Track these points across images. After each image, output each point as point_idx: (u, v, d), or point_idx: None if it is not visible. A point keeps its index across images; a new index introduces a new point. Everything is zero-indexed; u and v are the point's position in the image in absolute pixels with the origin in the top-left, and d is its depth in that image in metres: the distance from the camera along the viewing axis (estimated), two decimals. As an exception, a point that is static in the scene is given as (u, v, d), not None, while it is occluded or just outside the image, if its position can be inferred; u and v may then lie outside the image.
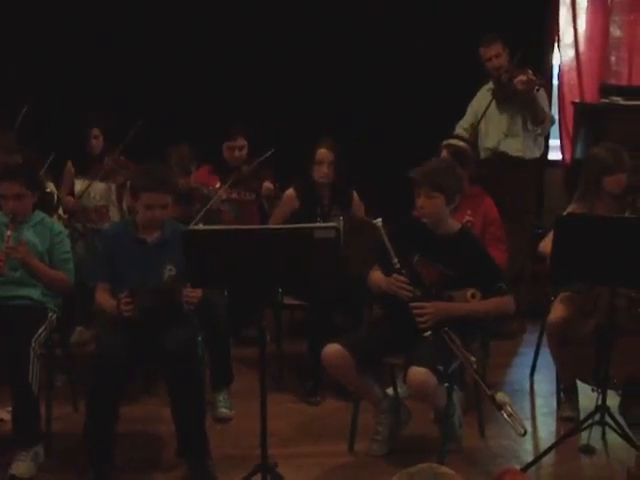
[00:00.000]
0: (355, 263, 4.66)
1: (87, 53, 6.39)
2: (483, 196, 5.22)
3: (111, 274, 4.29)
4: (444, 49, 6.48)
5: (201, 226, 4.82)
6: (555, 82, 6.93)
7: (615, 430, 4.30)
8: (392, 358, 4.23)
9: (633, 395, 4.72)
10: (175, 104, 6.37)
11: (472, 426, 4.53)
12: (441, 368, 3.98)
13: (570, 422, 4.64)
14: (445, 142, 5.32)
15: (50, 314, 4.37)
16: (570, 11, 6.85)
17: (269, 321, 5.34)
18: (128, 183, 5.17)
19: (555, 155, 7.04)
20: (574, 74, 6.93)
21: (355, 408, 4.41)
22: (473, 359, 4.02)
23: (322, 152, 5.24)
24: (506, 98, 5.89)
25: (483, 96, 6.06)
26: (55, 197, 5.29)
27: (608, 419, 4.28)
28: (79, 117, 5.81)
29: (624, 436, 4.28)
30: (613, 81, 6.98)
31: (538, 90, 5.81)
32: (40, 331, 4.19)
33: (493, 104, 5.93)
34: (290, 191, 5.41)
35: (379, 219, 4.19)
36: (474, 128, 5.98)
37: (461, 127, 6.07)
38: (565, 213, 4.56)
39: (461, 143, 5.26)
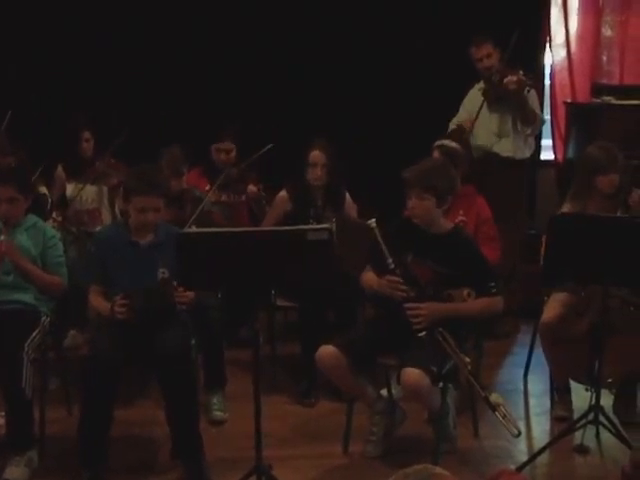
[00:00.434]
0: (348, 264, 4.65)
1: (78, 54, 6.39)
2: (475, 196, 5.23)
3: (104, 277, 4.29)
4: (435, 49, 6.49)
5: (194, 228, 4.83)
6: (547, 82, 6.94)
7: (609, 429, 4.30)
8: (386, 359, 4.23)
9: (627, 394, 4.73)
10: (166, 106, 6.37)
11: (466, 426, 4.54)
12: (435, 369, 3.98)
13: (564, 422, 4.64)
14: (437, 142, 5.32)
15: (43, 318, 4.36)
16: (561, 11, 6.87)
17: (263, 323, 5.34)
18: (120, 186, 5.17)
19: (547, 155, 7.06)
20: (566, 74, 6.95)
21: (349, 409, 4.41)
22: (467, 360, 4.02)
23: (315, 154, 5.23)
24: (497, 98, 5.90)
25: (475, 95, 6.07)
26: (49, 200, 5.28)
27: (602, 418, 4.29)
28: (69, 120, 5.79)
29: (618, 435, 4.29)
30: (605, 81, 7.00)
31: (529, 91, 5.82)
32: (33, 335, 4.18)
33: (484, 104, 5.94)
34: (283, 193, 5.40)
35: (373, 220, 4.20)
36: (471, 124, 5.96)
37: (455, 125, 6.06)
38: (558, 213, 4.57)
39: (453, 144, 5.25)
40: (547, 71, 6.94)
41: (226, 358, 4.92)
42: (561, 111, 6.91)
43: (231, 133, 5.74)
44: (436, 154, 5.20)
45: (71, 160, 5.73)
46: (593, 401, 4.28)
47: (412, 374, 3.93)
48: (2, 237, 4.20)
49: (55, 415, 4.57)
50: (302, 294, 4.93)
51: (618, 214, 4.62)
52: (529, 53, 6.47)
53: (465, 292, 4.19)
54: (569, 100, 6.89)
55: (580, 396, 4.63)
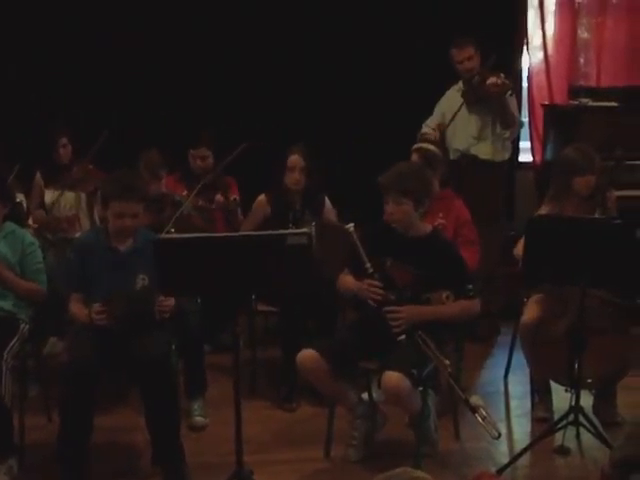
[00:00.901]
0: (328, 268, 4.65)
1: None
2: (454, 198, 5.23)
3: (84, 284, 4.27)
4: (413, 52, 6.49)
5: (173, 232, 4.82)
6: (524, 84, 6.96)
7: (589, 430, 4.32)
8: (366, 363, 4.23)
9: (606, 395, 4.75)
10: (143, 111, 6.35)
11: (447, 429, 4.54)
12: (415, 372, 3.99)
13: (544, 423, 4.65)
14: (415, 146, 5.33)
15: (22, 325, 4.34)
16: (538, 14, 6.90)
17: (243, 327, 5.34)
18: (98, 192, 5.15)
19: (525, 157, 7.07)
20: (543, 76, 6.98)
21: (330, 413, 4.41)
22: (447, 362, 4.02)
23: (294, 159, 5.23)
24: (477, 100, 5.91)
25: (453, 96, 6.07)
26: (24, 208, 5.26)
27: (582, 419, 4.31)
28: (46, 127, 5.77)
29: (598, 436, 4.31)
30: (582, 83, 7.04)
31: (511, 94, 5.84)
32: (12, 343, 4.16)
33: (463, 106, 5.95)
34: (262, 197, 5.40)
35: (351, 224, 4.20)
36: (442, 129, 5.98)
37: (427, 126, 6.07)
38: (536, 215, 4.59)
39: (431, 147, 5.26)
40: (524, 73, 6.95)
41: (207, 363, 4.91)
42: (539, 113, 6.94)
43: (206, 139, 5.73)
44: (414, 157, 5.20)
45: (48, 166, 5.71)
46: (573, 402, 4.30)
47: (392, 377, 3.93)
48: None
49: (35, 422, 4.55)
50: (282, 298, 4.92)
51: (596, 215, 4.65)
52: (506, 55, 6.48)
53: (444, 295, 4.20)
54: (547, 102, 6.92)
55: (560, 397, 4.63)
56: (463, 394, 3.98)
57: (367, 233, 4.27)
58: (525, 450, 4.33)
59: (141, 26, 6.36)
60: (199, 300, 4.83)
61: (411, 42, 6.51)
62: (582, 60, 7.08)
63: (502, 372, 5.43)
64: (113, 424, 4.67)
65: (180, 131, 5.90)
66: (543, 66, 6.96)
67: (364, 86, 6.57)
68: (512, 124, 5.93)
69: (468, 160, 5.97)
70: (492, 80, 5.69)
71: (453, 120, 5.95)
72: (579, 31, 7.03)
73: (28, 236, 4.51)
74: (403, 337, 4.07)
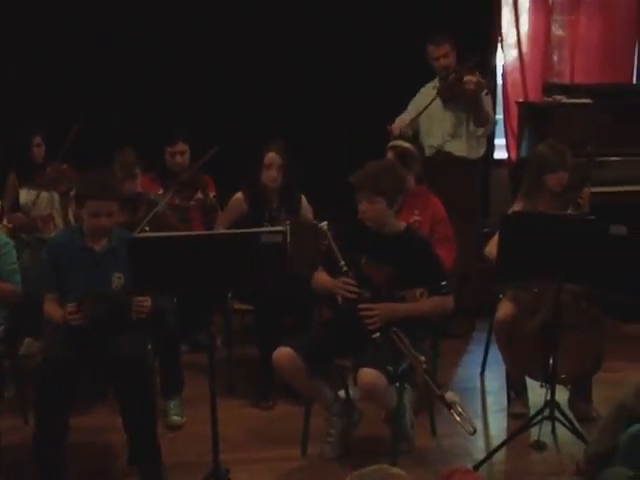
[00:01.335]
0: (304, 266, 4.66)
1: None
2: (430, 195, 5.25)
3: (59, 284, 4.25)
4: (388, 50, 6.50)
5: (147, 230, 4.81)
6: (499, 82, 6.98)
7: (565, 425, 4.36)
8: (342, 360, 4.23)
9: (582, 389, 4.79)
10: (116, 110, 6.34)
11: (424, 425, 4.56)
12: (390, 369, 4.00)
13: (521, 418, 4.68)
14: (391, 143, 5.34)
15: (-3, 326, 4.33)
16: (512, 11, 6.92)
17: (220, 326, 5.34)
18: (72, 191, 5.13)
19: (500, 154, 7.10)
20: (517, 74, 6.98)
21: (307, 411, 4.42)
22: (422, 359, 4.04)
23: (271, 156, 5.23)
24: (452, 97, 5.92)
25: (427, 92, 6.07)
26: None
27: (557, 414, 4.35)
28: (19, 126, 5.74)
29: (574, 431, 4.35)
30: (556, 80, 7.05)
31: (487, 93, 5.86)
32: (-13, 343, 4.15)
33: (437, 102, 5.95)
34: (238, 195, 5.40)
35: (324, 222, 4.22)
36: (414, 124, 5.99)
37: (401, 119, 6.03)
38: (510, 211, 4.61)
39: (406, 144, 5.27)
40: (499, 71, 6.97)
41: (183, 362, 4.91)
42: (513, 110, 6.96)
43: (183, 134, 5.72)
44: (390, 155, 5.21)
45: (22, 166, 5.68)
46: (548, 397, 4.33)
47: (368, 374, 3.94)
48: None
49: (11, 424, 4.53)
50: (258, 297, 4.92)
51: (569, 212, 4.68)
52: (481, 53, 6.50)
53: (418, 292, 4.23)
54: (521, 99, 6.94)
55: (536, 393, 4.65)
56: (439, 390, 3.99)
57: (342, 231, 4.28)
58: (501, 446, 4.35)
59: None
60: (175, 299, 4.82)
61: (386, 40, 6.52)
62: (556, 58, 7.09)
63: (478, 368, 5.46)
64: (89, 424, 4.66)
65: (153, 130, 5.87)
66: (517, 64, 6.96)
67: (339, 84, 6.56)
68: (486, 122, 5.95)
69: (443, 157, 5.98)
70: (468, 78, 5.71)
71: (424, 114, 5.95)
72: (553, 29, 7.04)
73: (2, 236, 4.50)
74: (378, 334, 4.09)
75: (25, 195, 5.64)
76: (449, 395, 3.96)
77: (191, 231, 5.28)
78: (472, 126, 5.96)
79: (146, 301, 4.11)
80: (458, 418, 3.92)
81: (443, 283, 4.26)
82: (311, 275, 4.43)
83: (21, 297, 4.41)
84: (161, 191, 5.57)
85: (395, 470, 2.35)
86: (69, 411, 4.06)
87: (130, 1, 6.40)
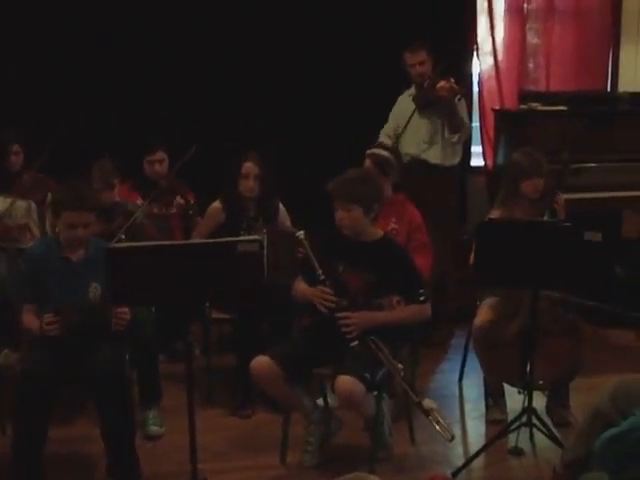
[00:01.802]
0: (282, 274, 4.67)
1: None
2: (407, 203, 5.26)
3: (36, 294, 4.23)
4: (365, 58, 6.52)
5: (123, 239, 4.80)
6: (475, 89, 7.02)
7: (542, 431, 4.38)
8: (321, 368, 4.25)
9: (559, 395, 4.81)
10: (95, 119, 6.33)
11: (403, 433, 4.57)
12: (368, 376, 4.01)
13: (499, 425, 4.68)
14: (369, 151, 5.35)
15: (-27, 337, 4.31)
16: (488, 20, 6.97)
17: (198, 336, 5.33)
18: (48, 200, 5.12)
19: (477, 161, 7.14)
20: (493, 81, 7.04)
21: (285, 420, 4.41)
22: (400, 366, 4.05)
23: (248, 166, 5.23)
24: (427, 104, 5.94)
25: (404, 102, 6.10)
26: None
27: (535, 420, 4.37)
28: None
29: (551, 437, 4.37)
30: (531, 87, 7.12)
31: (460, 99, 5.88)
32: (-36, 355, 4.13)
33: (415, 111, 5.99)
34: (216, 204, 5.39)
35: (301, 231, 4.23)
36: (397, 135, 6.03)
37: (385, 134, 6.10)
38: (486, 218, 4.63)
39: (384, 152, 5.29)
40: (475, 79, 7.01)
41: (162, 372, 4.89)
42: (489, 118, 7.00)
43: (161, 143, 5.72)
44: (368, 163, 5.23)
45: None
46: (526, 403, 4.35)
47: (346, 382, 3.94)
48: None
49: (-12, 435, 4.52)
50: (236, 306, 4.92)
51: (545, 218, 4.71)
52: (457, 61, 6.53)
53: (394, 300, 4.25)
54: (497, 107, 6.99)
55: (514, 399, 4.67)
56: (417, 398, 4.01)
57: (319, 239, 4.29)
58: (479, 452, 4.37)
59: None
60: (152, 309, 4.82)
61: (363, 48, 6.54)
62: (531, 65, 7.15)
63: (456, 375, 5.48)
64: (68, 435, 4.64)
65: (130, 140, 5.87)
66: (493, 71, 7.02)
67: (317, 93, 6.58)
68: (460, 128, 5.96)
69: (418, 165, 5.99)
70: (442, 84, 5.74)
71: (402, 122, 5.98)
72: (528, 37, 7.11)
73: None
74: (356, 342, 4.10)
75: (1, 203, 5.62)
76: (427, 402, 3.97)
77: (171, 240, 5.27)
78: (447, 133, 5.98)
79: (125, 313, 4.11)
80: (436, 425, 3.93)
81: (420, 291, 4.27)
82: (290, 284, 4.44)
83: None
84: (140, 200, 5.57)
85: (372, 477, 2.37)
86: (48, 422, 4.05)
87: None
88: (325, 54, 6.56)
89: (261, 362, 4.12)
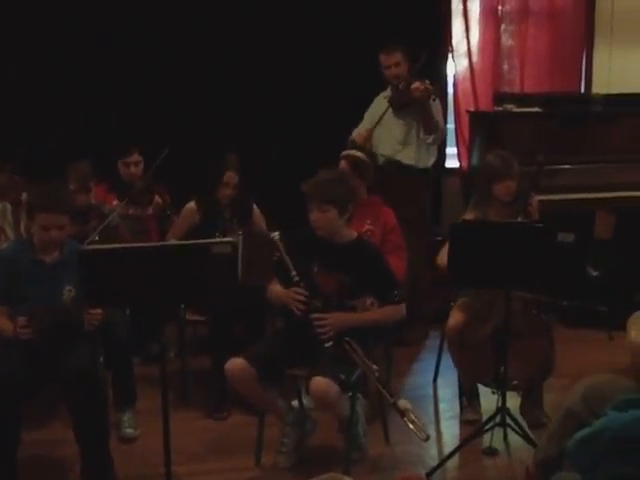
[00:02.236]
0: (256, 276, 4.67)
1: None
2: (382, 205, 5.29)
3: (9, 297, 4.21)
4: (339, 59, 6.53)
5: (97, 239, 4.79)
6: (450, 91, 7.05)
7: (516, 431, 4.41)
8: (295, 369, 4.25)
9: (533, 395, 4.84)
10: (70, 121, 6.33)
11: (377, 433, 4.58)
12: (343, 377, 4.01)
13: (473, 425, 4.71)
14: (344, 153, 5.37)
15: (-54, 340, 4.27)
16: (463, 22, 7.00)
17: (173, 337, 5.33)
18: (23, 201, 5.10)
19: (452, 163, 7.16)
20: (468, 83, 7.07)
21: (260, 421, 4.41)
22: (375, 367, 4.06)
23: (230, 175, 5.22)
24: (402, 105, 5.96)
25: (379, 103, 6.11)
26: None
27: (509, 420, 4.40)
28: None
29: (525, 436, 4.39)
30: (506, 89, 7.15)
31: (434, 100, 5.90)
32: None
33: (389, 111, 6.00)
34: (191, 205, 5.38)
35: (276, 233, 4.24)
36: (370, 134, 6.03)
37: (358, 133, 6.11)
38: (459, 220, 4.66)
39: (359, 154, 5.31)
40: (450, 80, 7.04)
41: (137, 374, 4.87)
42: (464, 119, 7.03)
43: (136, 145, 5.71)
44: (343, 164, 5.24)
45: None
46: (500, 404, 4.38)
47: (320, 383, 3.95)
48: None
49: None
50: (211, 308, 4.92)
51: (519, 220, 4.73)
52: (432, 63, 6.55)
53: (368, 302, 4.26)
54: (472, 109, 7.02)
55: (488, 399, 4.69)
56: (391, 398, 4.01)
57: (293, 241, 4.30)
58: (454, 452, 4.39)
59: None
60: (127, 311, 4.81)
61: (338, 49, 6.55)
62: (506, 67, 7.19)
63: (431, 376, 5.50)
64: (42, 438, 4.62)
65: (105, 143, 5.86)
66: (468, 73, 7.06)
67: (291, 94, 6.59)
68: (435, 130, 5.98)
69: (393, 166, 6.01)
70: (416, 85, 5.75)
71: (379, 124, 6.00)
72: (503, 39, 7.15)
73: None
74: (330, 344, 4.11)
75: (-24, 205, 5.60)
76: (402, 403, 3.97)
77: (148, 241, 5.26)
78: (422, 134, 6.00)
79: (97, 313, 4.10)
80: (411, 425, 3.93)
81: (395, 292, 4.29)
82: (266, 286, 4.44)
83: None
84: (116, 202, 5.55)
85: (347, 479, 2.38)
86: (21, 425, 4.03)
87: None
88: (299, 56, 6.56)
89: (235, 364, 4.12)
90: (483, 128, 6.78)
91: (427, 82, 5.78)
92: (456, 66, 7.05)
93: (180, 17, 6.47)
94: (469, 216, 4.84)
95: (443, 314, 5.02)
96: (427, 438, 3.98)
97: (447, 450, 4.49)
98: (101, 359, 4.37)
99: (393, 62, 5.97)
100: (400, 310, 4.33)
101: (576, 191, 6.39)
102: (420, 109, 5.87)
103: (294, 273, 4.19)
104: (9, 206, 5.61)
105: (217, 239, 4.43)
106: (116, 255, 3.63)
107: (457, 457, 4.41)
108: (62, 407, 4.63)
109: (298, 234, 4.38)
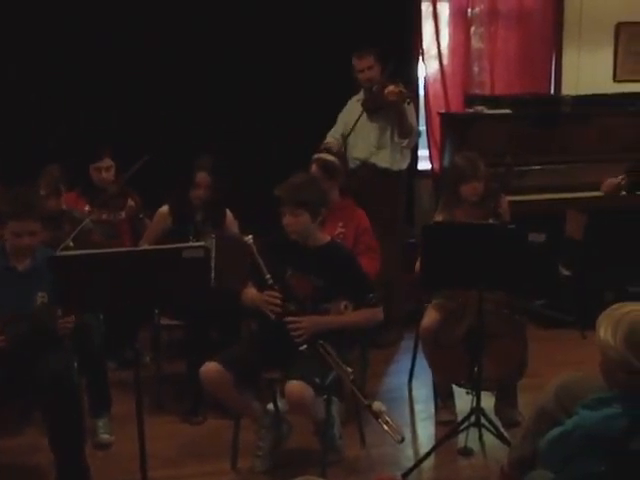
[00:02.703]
0: (230, 280, 4.67)
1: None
2: (354, 208, 5.30)
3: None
4: (311, 63, 6.55)
5: (72, 246, 4.77)
6: (421, 93, 7.08)
7: (490, 431, 4.43)
8: (270, 373, 4.25)
9: (507, 395, 4.87)
10: (39, 127, 6.31)
11: (353, 436, 4.59)
12: (318, 381, 4.02)
13: (448, 426, 4.71)
14: (315, 156, 5.38)
15: None
16: (433, 25, 7.04)
17: (148, 342, 5.31)
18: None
19: (424, 165, 7.19)
20: (439, 85, 7.13)
21: (236, 425, 4.41)
22: (349, 370, 4.07)
23: (202, 176, 5.22)
24: (376, 109, 5.98)
25: (353, 106, 6.13)
26: None
27: (483, 421, 4.42)
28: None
29: (499, 436, 4.42)
30: (477, 91, 7.20)
31: (409, 103, 5.93)
32: None
33: (363, 115, 6.01)
34: (164, 209, 5.37)
35: (250, 236, 4.24)
36: (344, 139, 6.06)
37: (332, 137, 6.14)
38: (431, 222, 4.68)
39: (330, 157, 5.32)
40: (421, 83, 7.07)
41: (112, 380, 4.86)
42: (436, 121, 7.07)
43: (107, 150, 5.70)
44: (314, 168, 5.25)
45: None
46: (474, 404, 4.40)
47: (295, 387, 3.95)
48: None
49: None
50: (185, 312, 4.92)
51: (490, 221, 4.76)
52: (403, 66, 6.57)
53: (342, 305, 4.27)
54: (443, 111, 7.05)
55: (463, 399, 4.70)
56: (365, 400, 4.02)
57: (267, 244, 4.30)
58: (429, 453, 4.41)
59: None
60: (101, 316, 4.79)
61: (309, 52, 6.56)
62: (476, 69, 7.24)
63: (406, 377, 5.51)
64: (16, 445, 4.60)
65: (76, 148, 5.85)
66: (439, 76, 7.11)
67: (262, 98, 6.60)
68: (409, 133, 6.01)
69: (367, 169, 6.03)
70: (390, 89, 5.76)
71: (354, 130, 6.02)
72: (473, 41, 7.20)
73: None
74: (305, 347, 4.12)
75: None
76: (376, 405, 3.98)
77: (120, 246, 5.25)
78: (396, 137, 6.02)
79: (69, 318, 4.08)
80: (386, 427, 3.95)
81: (370, 295, 4.30)
82: (240, 290, 4.44)
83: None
84: (87, 207, 5.54)
85: (320, 480, 2.39)
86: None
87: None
88: (272, 58, 6.57)
89: (210, 368, 4.11)
90: (454, 130, 6.82)
91: (401, 85, 5.81)
92: (427, 68, 7.09)
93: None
94: (438, 217, 4.87)
95: (418, 315, 5.04)
96: (402, 440, 4.00)
97: (423, 451, 4.51)
98: (75, 365, 4.35)
99: (366, 66, 5.98)
100: (377, 313, 4.34)
101: (547, 191, 6.45)
102: (395, 113, 5.89)
103: (268, 276, 4.20)
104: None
105: (189, 243, 4.42)
106: (87, 261, 3.60)
107: (432, 458, 4.43)
108: (36, 414, 4.63)
109: (271, 237, 4.39)
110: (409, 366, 5.50)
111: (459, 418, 4.65)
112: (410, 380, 5.50)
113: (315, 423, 4.37)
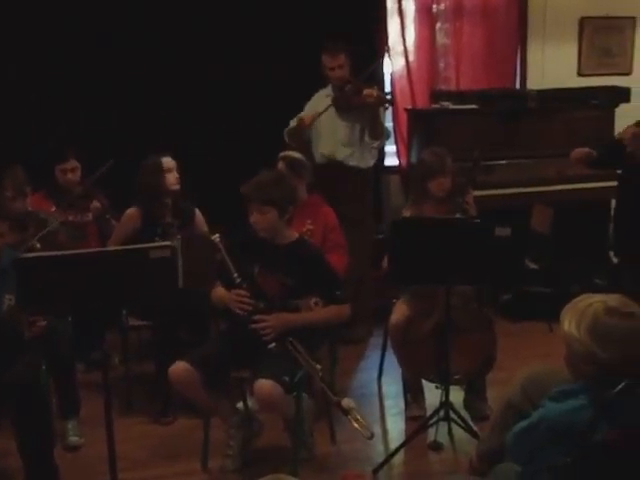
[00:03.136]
0: (198, 279, 4.66)
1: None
2: (322, 204, 5.31)
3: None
4: (277, 60, 6.53)
5: (38, 247, 4.74)
6: (387, 90, 7.09)
7: (460, 425, 4.46)
8: (239, 372, 4.24)
9: (476, 389, 4.90)
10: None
11: (323, 433, 4.60)
12: (287, 378, 4.02)
13: (418, 421, 4.73)
14: (282, 154, 5.37)
15: None
16: (399, 21, 7.05)
17: (116, 343, 5.29)
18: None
19: (392, 161, 7.21)
20: (405, 81, 7.13)
21: (206, 425, 4.40)
22: (318, 367, 4.06)
23: (167, 160, 5.21)
24: (349, 108, 5.97)
25: (320, 100, 6.10)
26: None
27: (453, 415, 4.45)
28: None
29: (468, 430, 4.45)
30: (442, 87, 7.22)
31: (387, 108, 5.94)
32: None
33: (330, 111, 5.98)
34: (131, 210, 5.34)
35: (217, 235, 4.23)
36: (304, 124, 6.00)
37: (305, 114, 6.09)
38: (399, 217, 4.70)
39: (297, 154, 5.32)
40: (387, 79, 7.08)
41: (81, 381, 4.85)
42: (402, 118, 7.08)
43: (73, 151, 5.66)
44: (280, 165, 5.24)
45: None
46: (444, 398, 4.42)
47: (265, 385, 3.95)
48: None
49: None
50: (154, 312, 4.90)
51: (457, 216, 4.78)
52: (369, 62, 6.58)
53: (312, 301, 4.26)
54: (409, 106, 7.07)
55: (433, 394, 4.74)
56: (335, 397, 4.01)
57: (235, 242, 4.30)
58: (399, 448, 4.44)
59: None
60: (69, 318, 4.76)
61: (274, 50, 6.55)
62: (442, 65, 7.25)
63: (376, 373, 5.53)
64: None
65: (39, 149, 5.81)
66: (405, 72, 7.11)
67: (227, 96, 6.58)
68: (381, 135, 6.03)
69: (334, 166, 6.03)
70: (368, 92, 5.72)
71: (319, 122, 5.99)
72: (438, 37, 7.21)
73: None
74: (274, 345, 4.12)
75: None
76: (346, 401, 3.97)
77: (87, 248, 5.21)
78: (367, 138, 6.01)
79: (41, 324, 4.06)
80: (355, 424, 3.94)
81: (338, 292, 4.31)
82: (208, 289, 4.44)
83: None
84: (54, 209, 5.50)
85: (290, 478, 2.38)
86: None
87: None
88: (235, 57, 6.55)
89: (179, 367, 4.10)
90: (421, 126, 6.85)
91: (376, 89, 5.81)
92: (393, 65, 7.10)
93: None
94: (407, 213, 4.90)
95: (387, 312, 5.05)
96: (371, 436, 3.99)
97: (393, 446, 4.52)
98: (44, 367, 4.32)
99: (337, 64, 5.96)
100: (344, 310, 4.34)
101: (513, 186, 6.49)
102: (369, 115, 5.89)
103: (236, 275, 4.19)
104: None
105: (156, 243, 4.40)
106: (53, 262, 3.58)
107: (403, 453, 4.46)
108: (3, 418, 4.59)
109: (239, 236, 4.38)
110: (378, 362, 5.52)
111: (428, 413, 4.68)
112: (380, 376, 5.52)
113: (285, 421, 4.38)
